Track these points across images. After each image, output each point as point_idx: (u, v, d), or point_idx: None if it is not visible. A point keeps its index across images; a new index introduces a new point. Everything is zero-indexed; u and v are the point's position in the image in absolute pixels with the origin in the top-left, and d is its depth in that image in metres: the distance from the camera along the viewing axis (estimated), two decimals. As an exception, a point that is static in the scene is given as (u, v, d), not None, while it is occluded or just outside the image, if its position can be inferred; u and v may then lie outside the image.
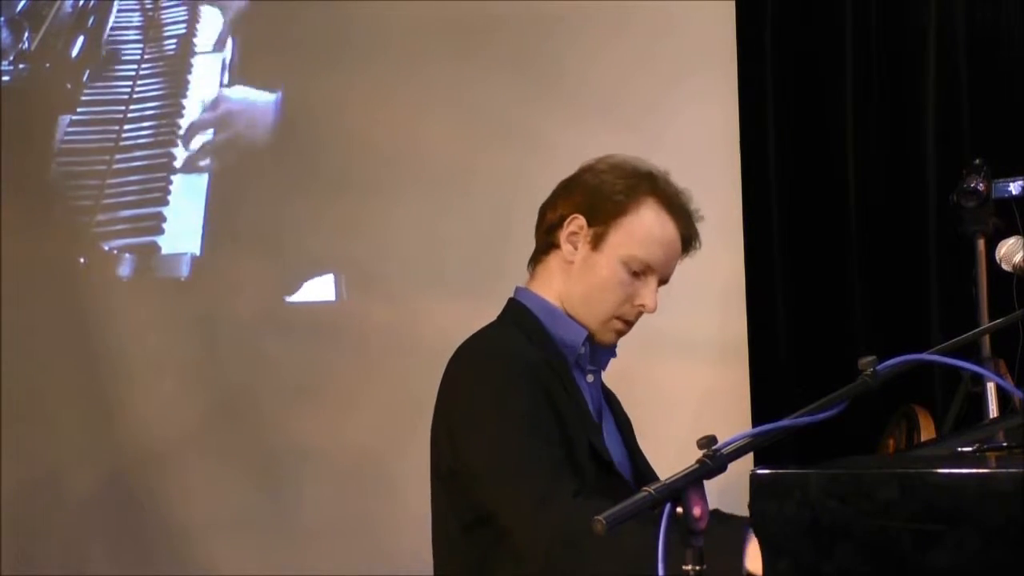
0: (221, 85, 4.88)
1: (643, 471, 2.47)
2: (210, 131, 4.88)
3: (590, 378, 2.40)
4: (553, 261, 2.39)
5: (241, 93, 4.85)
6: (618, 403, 2.55)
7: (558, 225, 2.37)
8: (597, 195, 2.35)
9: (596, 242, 2.35)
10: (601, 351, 2.41)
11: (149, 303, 4.82)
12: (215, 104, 4.87)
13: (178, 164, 4.87)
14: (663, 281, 2.39)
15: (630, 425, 2.55)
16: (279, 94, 4.81)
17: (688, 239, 2.39)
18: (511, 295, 2.45)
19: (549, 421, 2.22)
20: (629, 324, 2.39)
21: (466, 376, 2.30)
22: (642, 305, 2.35)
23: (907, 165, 4.34)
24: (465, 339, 2.37)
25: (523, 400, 2.21)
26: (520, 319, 2.37)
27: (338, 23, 4.71)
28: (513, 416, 2.20)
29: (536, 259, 2.43)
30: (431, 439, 2.35)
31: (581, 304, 2.36)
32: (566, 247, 2.36)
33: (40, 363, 4.81)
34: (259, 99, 4.83)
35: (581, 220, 2.35)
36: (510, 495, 2.17)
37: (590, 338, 2.37)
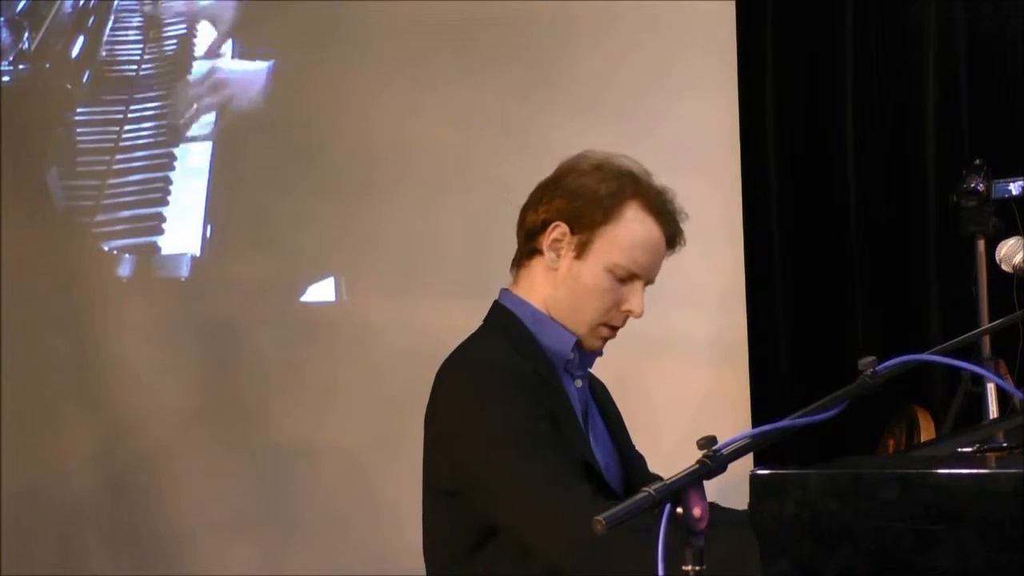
0: (220, 86, 4.87)
1: (632, 464, 2.45)
2: (210, 132, 4.87)
3: (578, 383, 2.38)
4: (537, 267, 2.35)
5: (240, 95, 4.85)
6: (603, 392, 2.52)
7: (540, 231, 2.33)
8: (579, 201, 2.31)
9: (580, 250, 2.31)
10: (588, 354, 2.39)
11: (149, 303, 4.81)
12: (215, 105, 4.87)
13: (178, 164, 4.86)
14: (649, 282, 2.36)
15: (617, 414, 2.52)
16: (278, 94, 4.80)
17: (673, 239, 2.36)
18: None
19: (549, 430, 2.21)
20: (616, 329, 2.36)
21: (460, 392, 2.28)
22: (629, 310, 2.33)
23: (907, 165, 4.35)
24: (452, 351, 2.34)
25: (523, 412, 2.20)
26: (507, 326, 2.35)
27: (340, 25, 4.71)
28: (516, 430, 2.19)
29: (519, 262, 2.39)
30: (424, 454, 2.33)
31: (567, 311, 2.33)
32: (549, 254, 2.33)
33: (40, 363, 4.81)
34: (258, 100, 4.82)
35: (564, 228, 2.31)
36: (531, 509, 2.15)
37: (578, 344, 2.35)
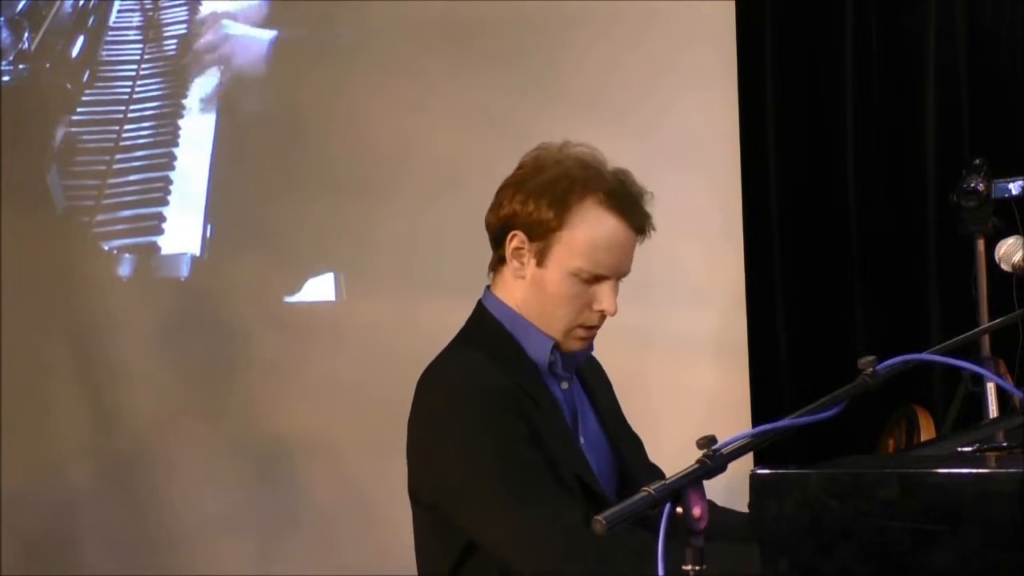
0: (221, 86, 4.87)
1: (627, 459, 2.41)
2: (210, 131, 4.87)
3: (564, 385, 2.34)
4: (506, 272, 2.31)
5: (240, 96, 4.85)
6: (597, 380, 2.46)
7: (502, 240, 2.29)
8: (531, 206, 2.25)
9: (540, 258, 2.26)
10: (572, 355, 2.33)
11: (149, 303, 4.81)
12: (215, 106, 4.87)
13: (178, 164, 4.87)
14: (622, 275, 2.29)
15: (612, 402, 2.48)
16: (278, 94, 4.80)
17: (640, 227, 2.27)
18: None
19: (531, 448, 2.17)
20: (593, 329, 2.31)
21: (438, 413, 2.24)
22: (602, 310, 2.27)
23: (907, 165, 4.35)
24: (432, 360, 2.31)
25: (500, 436, 2.16)
26: (488, 332, 2.31)
27: (339, 25, 4.71)
28: (494, 458, 2.15)
29: (492, 266, 2.35)
30: (408, 461, 2.30)
31: (540, 317, 2.28)
32: (513, 263, 2.29)
33: (40, 363, 4.81)
34: (258, 101, 4.82)
35: (521, 236, 2.26)
36: (510, 530, 2.13)
37: (557, 346, 2.30)
